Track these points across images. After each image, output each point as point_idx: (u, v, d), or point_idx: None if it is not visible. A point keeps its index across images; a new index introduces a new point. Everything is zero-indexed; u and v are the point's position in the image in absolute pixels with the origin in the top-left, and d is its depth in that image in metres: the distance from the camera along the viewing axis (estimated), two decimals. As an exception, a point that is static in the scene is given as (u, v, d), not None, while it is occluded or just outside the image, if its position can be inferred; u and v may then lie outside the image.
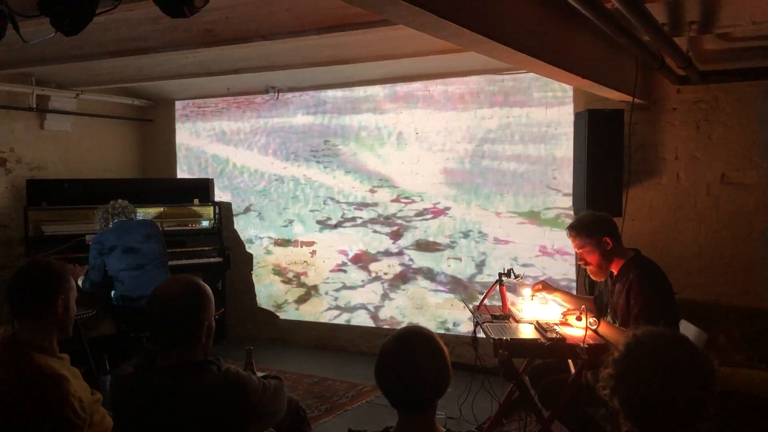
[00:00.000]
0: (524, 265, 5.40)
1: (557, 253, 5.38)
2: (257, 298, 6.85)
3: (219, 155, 7.00)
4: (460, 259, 5.78)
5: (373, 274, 6.24)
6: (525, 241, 5.53)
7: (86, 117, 6.61)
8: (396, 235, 6.09)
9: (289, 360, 6.04)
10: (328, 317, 6.48)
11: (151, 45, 4.35)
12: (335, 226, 6.43)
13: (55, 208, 5.92)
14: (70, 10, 1.93)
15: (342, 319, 6.39)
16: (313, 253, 6.53)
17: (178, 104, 7.20)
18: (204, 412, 2.07)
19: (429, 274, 5.94)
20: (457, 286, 5.79)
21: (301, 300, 6.61)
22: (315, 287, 6.52)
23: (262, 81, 6.29)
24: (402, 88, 5.96)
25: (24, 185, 5.94)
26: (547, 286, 3.87)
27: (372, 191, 6.19)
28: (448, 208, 5.82)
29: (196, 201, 6.60)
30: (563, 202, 5.33)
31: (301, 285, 6.61)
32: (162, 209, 6.41)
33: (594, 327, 3.25)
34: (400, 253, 6.09)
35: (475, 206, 5.70)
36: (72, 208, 5.96)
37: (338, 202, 6.37)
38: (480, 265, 5.74)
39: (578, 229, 3.47)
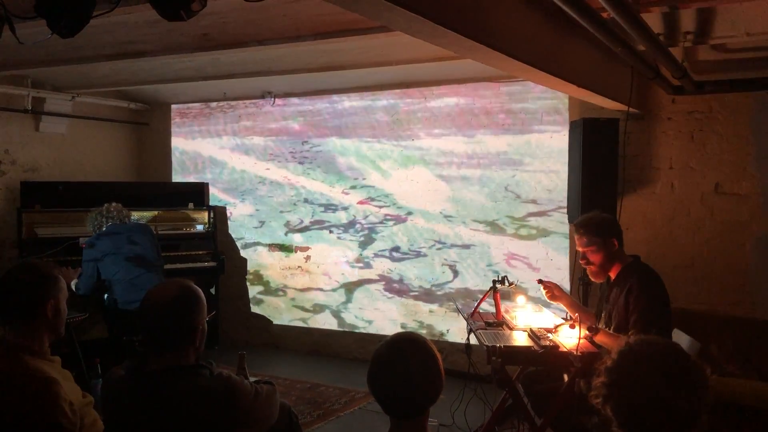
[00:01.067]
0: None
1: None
2: (251, 304, 6.84)
3: (215, 159, 6.99)
4: (453, 265, 5.78)
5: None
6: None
7: (82, 120, 6.61)
8: (372, 242, 6.11)
9: (281, 366, 6.03)
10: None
11: (148, 48, 4.35)
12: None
13: (49, 210, 5.90)
14: (67, 12, 1.93)
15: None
16: (308, 258, 6.52)
17: (174, 108, 7.19)
18: (195, 416, 2.06)
19: (416, 284, 5.96)
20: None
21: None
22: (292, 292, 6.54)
23: (258, 86, 6.29)
24: (403, 102, 5.97)
25: (18, 187, 5.93)
26: (558, 287, 3.81)
27: (366, 202, 6.20)
28: (444, 219, 5.85)
29: (190, 205, 6.58)
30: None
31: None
32: (156, 213, 6.39)
33: (590, 335, 3.22)
34: (379, 260, 6.12)
35: (471, 221, 5.72)
36: (66, 211, 5.94)
37: (320, 205, 6.39)
38: (455, 272, 5.82)
39: (586, 228, 3.43)
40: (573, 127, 4.78)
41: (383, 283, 6.11)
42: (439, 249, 5.83)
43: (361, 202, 6.20)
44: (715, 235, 4.73)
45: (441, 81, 5.68)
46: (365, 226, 6.18)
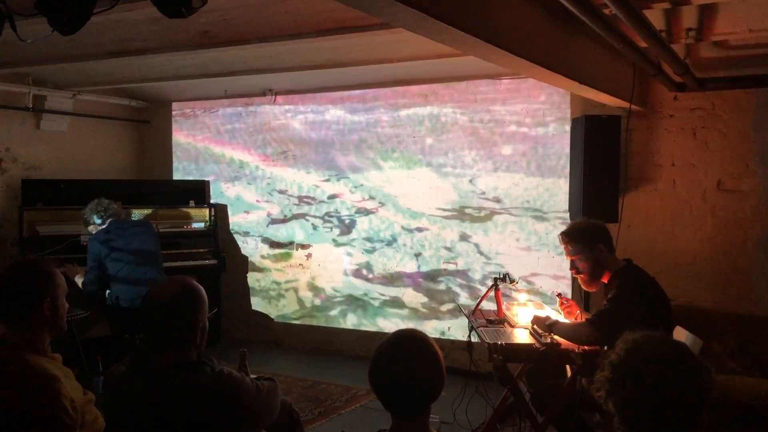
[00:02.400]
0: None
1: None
2: (251, 301, 6.84)
3: (215, 157, 6.98)
4: (455, 264, 5.78)
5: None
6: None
7: (83, 117, 6.60)
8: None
9: (283, 363, 6.02)
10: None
11: (149, 46, 4.34)
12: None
13: (51, 208, 5.90)
14: (68, 9, 1.93)
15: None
16: (309, 256, 6.53)
17: (175, 106, 7.18)
18: (197, 413, 2.06)
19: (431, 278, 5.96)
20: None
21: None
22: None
23: (259, 83, 6.29)
24: (405, 111, 5.96)
25: (19, 185, 5.93)
26: (576, 305, 3.75)
27: (366, 201, 6.21)
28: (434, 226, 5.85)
29: (192, 203, 6.58)
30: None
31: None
32: (157, 210, 6.39)
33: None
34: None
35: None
36: (67, 209, 5.92)
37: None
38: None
39: (571, 235, 3.40)
40: (575, 124, 4.77)
41: (391, 280, 6.12)
42: (442, 247, 5.85)
43: (366, 204, 6.22)
44: (717, 232, 4.72)
45: (443, 78, 5.67)
46: (373, 227, 6.19)
